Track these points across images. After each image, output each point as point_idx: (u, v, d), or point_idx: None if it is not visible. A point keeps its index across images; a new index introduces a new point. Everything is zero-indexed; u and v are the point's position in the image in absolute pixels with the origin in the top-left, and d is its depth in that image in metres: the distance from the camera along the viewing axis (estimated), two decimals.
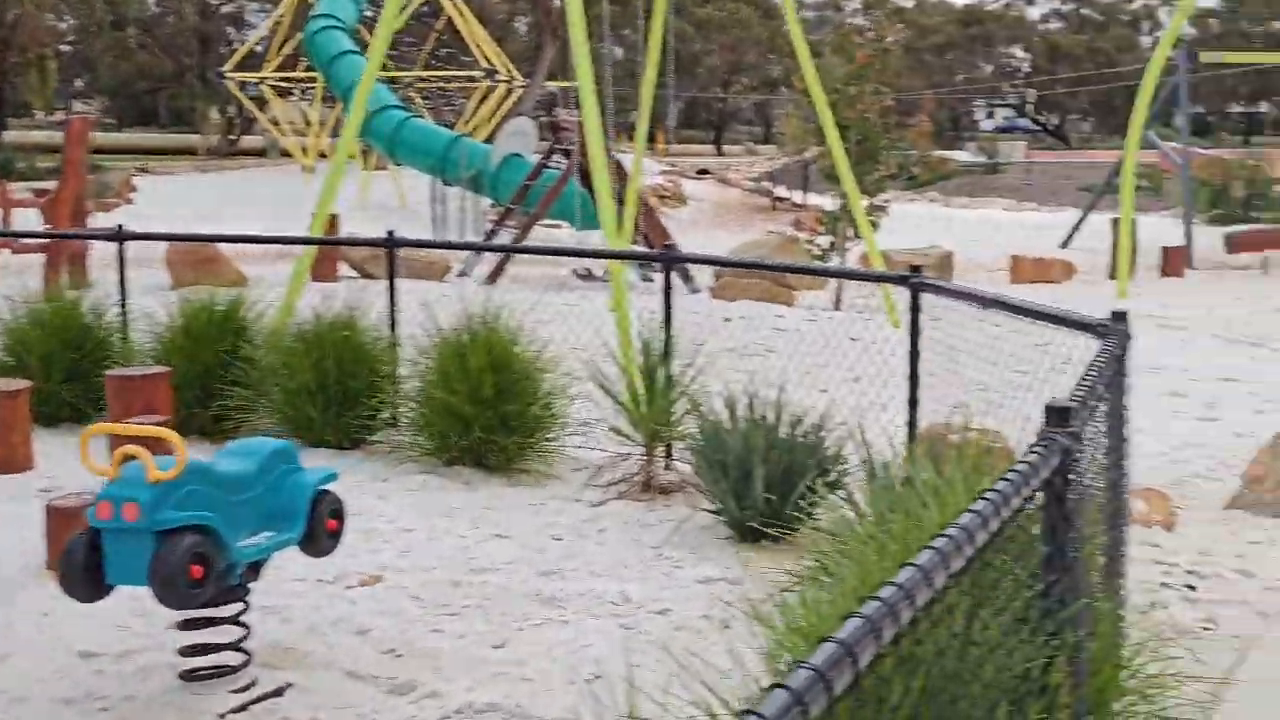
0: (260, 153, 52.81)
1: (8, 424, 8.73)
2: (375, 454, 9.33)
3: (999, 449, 5.88)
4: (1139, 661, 4.51)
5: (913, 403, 7.75)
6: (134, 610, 5.88)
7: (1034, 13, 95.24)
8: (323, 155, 38.01)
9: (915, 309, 7.71)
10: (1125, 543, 5.29)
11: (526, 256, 21.37)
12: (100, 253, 16.14)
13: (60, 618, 5.98)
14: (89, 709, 5.20)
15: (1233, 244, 27.01)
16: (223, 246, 18.27)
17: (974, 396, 7.49)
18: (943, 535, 2.43)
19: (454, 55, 44.70)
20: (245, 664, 5.45)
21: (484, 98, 38.72)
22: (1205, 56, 34.46)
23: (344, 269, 19.89)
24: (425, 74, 41.85)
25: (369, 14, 35.91)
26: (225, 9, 66.10)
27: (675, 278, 9.50)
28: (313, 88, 38.13)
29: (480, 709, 5.21)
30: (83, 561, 5.00)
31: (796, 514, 6.97)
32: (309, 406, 9.23)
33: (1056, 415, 3.31)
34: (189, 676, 5.38)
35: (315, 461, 8.74)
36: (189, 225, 25.22)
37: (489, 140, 31.03)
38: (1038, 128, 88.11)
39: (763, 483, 7.22)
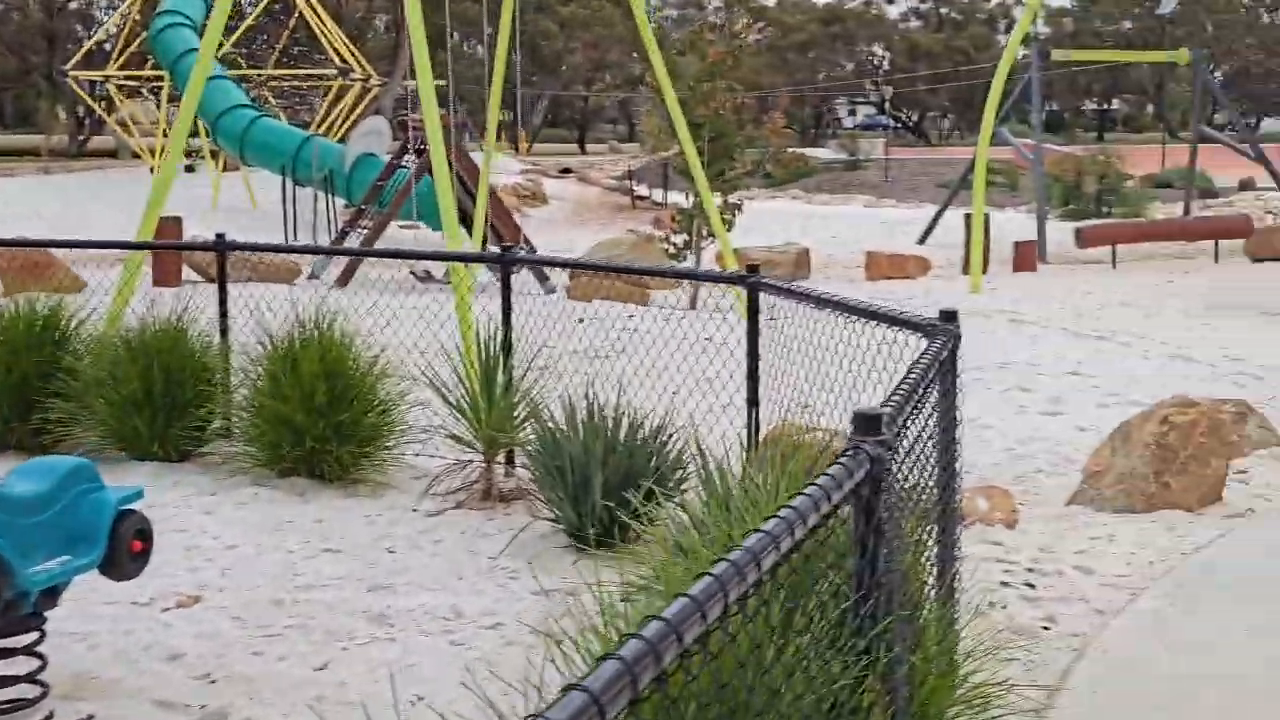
0: (112, 154, 51.43)
1: None
2: (206, 466, 8.97)
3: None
4: (969, 669, 4.40)
5: (753, 403, 7.68)
6: None
7: (894, 11, 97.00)
8: (190, 155, 36.94)
9: (754, 309, 7.66)
10: (958, 546, 5.20)
11: (379, 259, 20.95)
12: None
13: None
14: None
15: (1083, 238, 27.46)
16: (58, 251, 17.61)
17: (822, 396, 7.38)
18: (724, 560, 2.26)
19: (307, 54, 43.87)
20: (43, 696, 5.12)
21: (339, 96, 38.04)
22: (1057, 54, 35.15)
23: (189, 273, 19.34)
24: (277, 73, 40.99)
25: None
26: (72, 5, 64.40)
27: (530, 278, 9.30)
28: (161, 87, 37.10)
29: None
30: None
31: (635, 521, 6.79)
32: (135, 418, 8.84)
33: (865, 423, 3.15)
34: None
35: (141, 476, 8.39)
36: (29, 229, 24.34)
37: (344, 140, 30.47)
38: (897, 125, 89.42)
39: (601, 490, 7.04)
